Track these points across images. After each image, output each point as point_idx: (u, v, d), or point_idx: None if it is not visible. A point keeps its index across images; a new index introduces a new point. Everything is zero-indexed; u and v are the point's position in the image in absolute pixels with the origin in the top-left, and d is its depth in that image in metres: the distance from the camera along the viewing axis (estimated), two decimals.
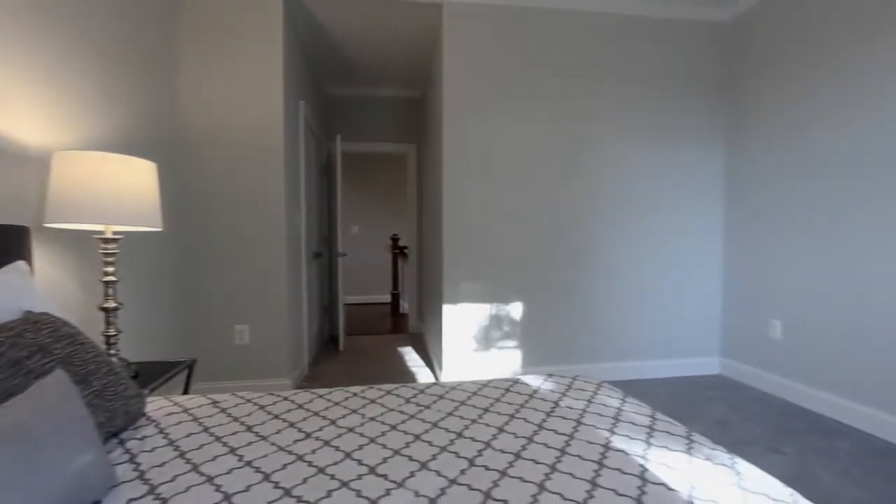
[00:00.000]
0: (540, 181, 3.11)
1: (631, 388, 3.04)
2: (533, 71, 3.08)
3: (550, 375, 1.59)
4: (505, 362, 3.13)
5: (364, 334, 4.90)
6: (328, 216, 4.74)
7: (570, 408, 1.29)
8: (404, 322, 5.30)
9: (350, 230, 6.75)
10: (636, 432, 1.13)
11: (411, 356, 3.97)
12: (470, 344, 3.09)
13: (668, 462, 0.98)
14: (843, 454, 2.16)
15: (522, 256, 3.11)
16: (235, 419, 1.25)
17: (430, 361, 3.75)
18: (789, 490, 0.91)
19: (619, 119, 3.19)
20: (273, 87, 2.90)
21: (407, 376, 3.38)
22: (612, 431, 1.13)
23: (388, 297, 6.29)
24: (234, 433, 1.16)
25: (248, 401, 1.39)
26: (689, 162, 3.30)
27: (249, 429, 1.19)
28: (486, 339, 3.11)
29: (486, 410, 1.28)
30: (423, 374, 3.43)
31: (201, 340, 2.87)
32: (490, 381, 1.52)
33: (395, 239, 5.69)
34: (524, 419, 1.21)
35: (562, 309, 3.17)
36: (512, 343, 3.13)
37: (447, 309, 3.05)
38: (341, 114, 4.71)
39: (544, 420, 1.20)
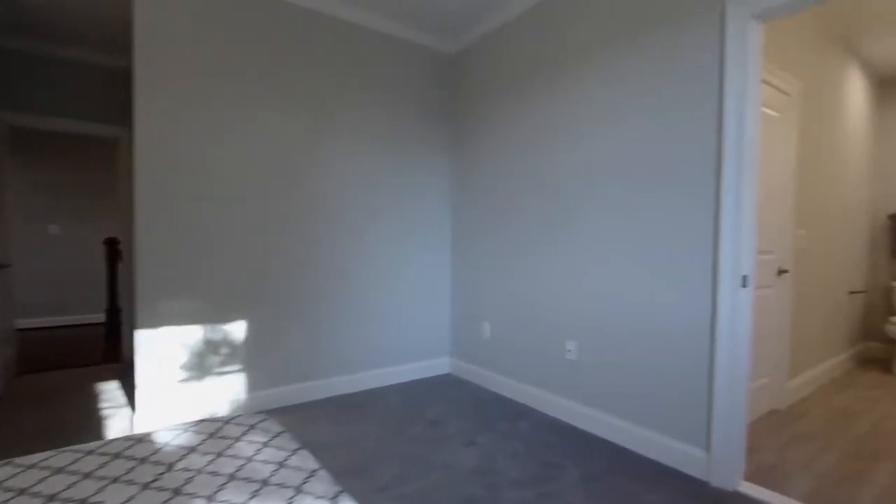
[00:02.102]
0: (264, 184, 2.84)
1: (364, 399, 3.04)
2: (259, 64, 2.78)
3: (200, 421, 1.35)
4: (225, 391, 2.74)
5: (58, 368, 3.77)
6: None
7: (187, 469, 1.08)
8: (121, 347, 4.30)
9: (47, 230, 5.19)
10: (241, 493, 0.99)
11: (114, 394, 3.19)
12: (177, 375, 2.61)
13: None
14: (520, 435, 2.54)
15: (245, 269, 2.78)
16: None
17: None
18: None
19: (355, 126, 3.16)
20: None
21: (92, 425, 2.66)
22: (211, 499, 0.96)
23: (104, 317, 5.04)
24: None
25: None
26: (424, 176, 3.50)
27: None
28: (200, 367, 2.67)
29: (50, 499, 0.96)
30: (120, 419, 2.75)
31: None
32: (102, 445, 1.19)
33: (112, 242, 4.56)
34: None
35: (292, 324, 2.96)
36: (234, 367, 2.77)
37: (142, 335, 2.50)
38: (17, 76, 3.50)
39: (128, 501, 0.95)
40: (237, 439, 1.23)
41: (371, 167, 3.25)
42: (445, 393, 3.21)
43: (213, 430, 1.27)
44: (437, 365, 3.64)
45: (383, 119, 3.29)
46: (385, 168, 3.31)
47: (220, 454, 1.14)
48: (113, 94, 3.86)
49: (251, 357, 2.82)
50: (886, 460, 2.28)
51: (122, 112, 3.89)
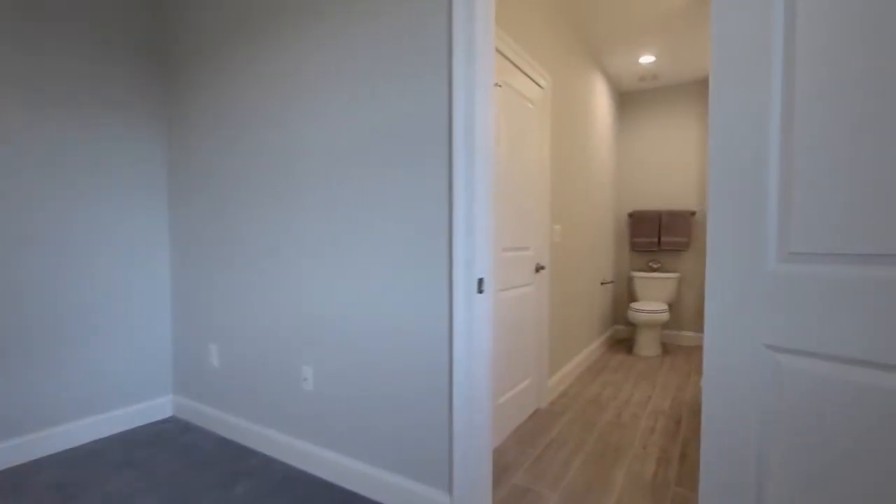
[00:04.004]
0: None
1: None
2: None
3: None
4: None
5: None
6: None
7: None
8: None
9: None
10: None
11: None
12: None
13: None
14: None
15: None
16: None
17: None
18: None
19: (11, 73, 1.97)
20: None
21: None
22: None
23: None
24: None
25: None
26: (123, 153, 2.46)
27: None
28: None
29: None
30: None
31: None
32: None
33: None
34: None
35: None
36: None
37: None
38: None
39: None
40: None
41: (42, 137, 2.08)
42: (141, 454, 2.26)
43: None
44: (154, 408, 2.65)
45: (59, 64, 2.15)
46: (64, 139, 2.18)
47: None
48: None
49: None
50: (624, 456, 2.26)
51: None
